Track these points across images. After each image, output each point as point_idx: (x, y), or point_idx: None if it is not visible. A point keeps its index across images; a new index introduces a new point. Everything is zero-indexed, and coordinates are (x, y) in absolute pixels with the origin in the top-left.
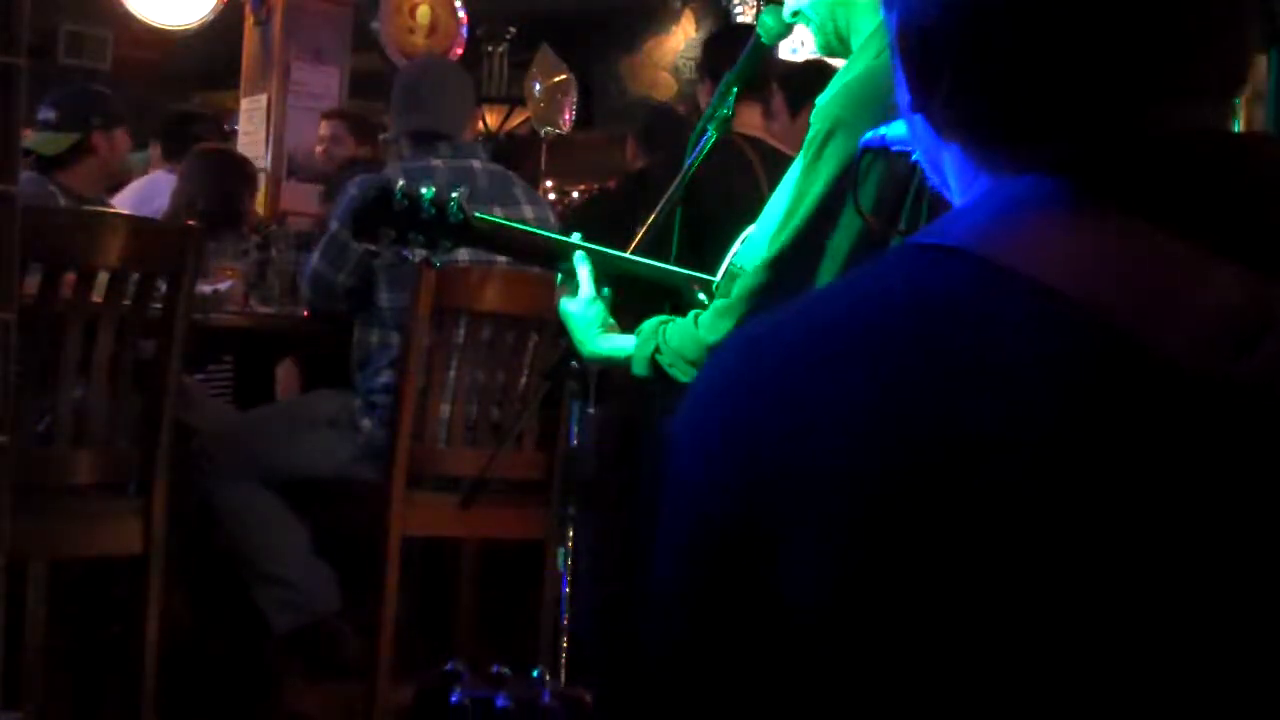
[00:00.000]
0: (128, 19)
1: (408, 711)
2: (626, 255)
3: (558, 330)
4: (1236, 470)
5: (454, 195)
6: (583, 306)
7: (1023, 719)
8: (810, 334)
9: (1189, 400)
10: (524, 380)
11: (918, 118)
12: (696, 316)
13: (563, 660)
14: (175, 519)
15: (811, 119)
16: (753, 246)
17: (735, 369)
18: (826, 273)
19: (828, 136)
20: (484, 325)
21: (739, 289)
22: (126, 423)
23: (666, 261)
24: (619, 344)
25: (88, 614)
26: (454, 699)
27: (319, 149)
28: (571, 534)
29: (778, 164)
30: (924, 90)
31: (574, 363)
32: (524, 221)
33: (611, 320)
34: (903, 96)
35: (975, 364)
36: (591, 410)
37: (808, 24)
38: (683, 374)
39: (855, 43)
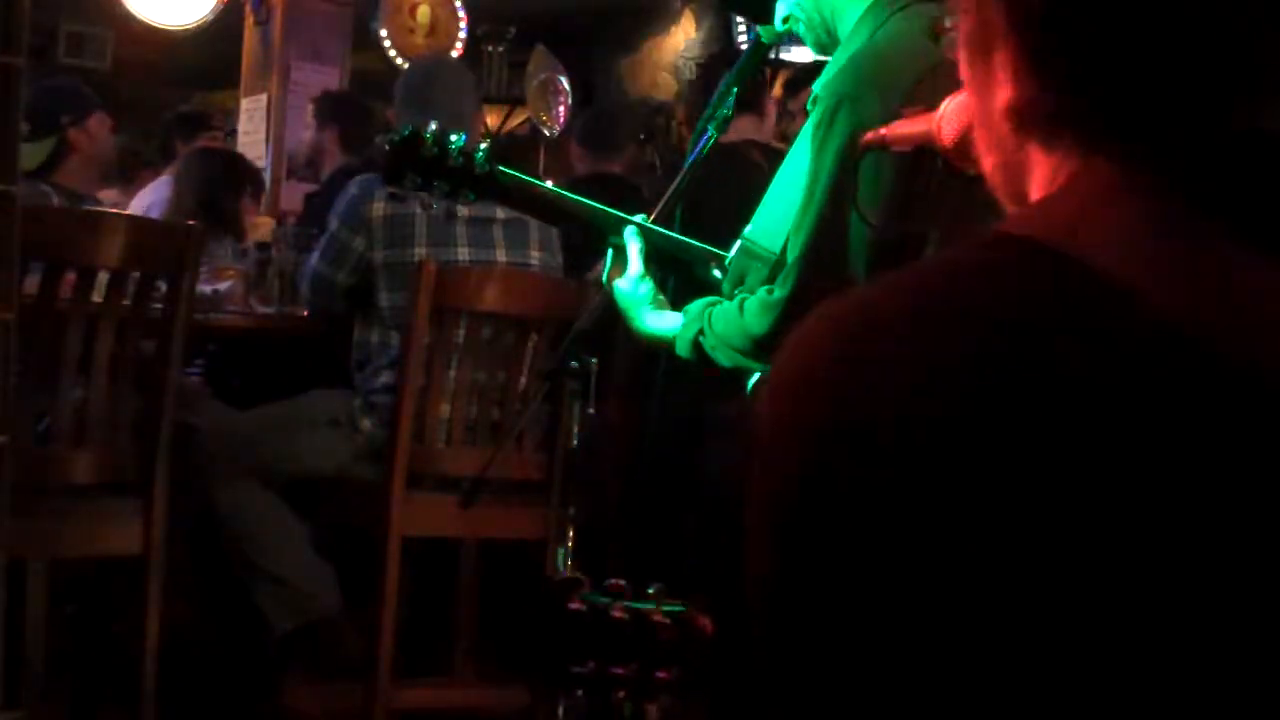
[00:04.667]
0: (128, 19)
1: (530, 616)
2: (649, 224)
3: (558, 330)
4: None
5: (481, 147)
6: (632, 283)
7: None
8: (872, 327)
9: (1251, 409)
10: (524, 380)
11: (1002, 118)
12: (742, 304)
13: None
14: (175, 519)
15: (812, 100)
16: (767, 223)
17: (819, 346)
18: (856, 241)
19: (834, 112)
20: (484, 325)
21: (786, 284)
22: (126, 423)
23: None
24: (667, 324)
25: (88, 614)
26: (572, 605)
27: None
28: (571, 534)
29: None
30: (1038, 82)
31: (574, 363)
32: (526, 222)
33: (661, 297)
34: (998, 94)
35: (1043, 367)
36: (592, 410)
37: (797, 27)
38: (725, 359)
39: (843, 31)
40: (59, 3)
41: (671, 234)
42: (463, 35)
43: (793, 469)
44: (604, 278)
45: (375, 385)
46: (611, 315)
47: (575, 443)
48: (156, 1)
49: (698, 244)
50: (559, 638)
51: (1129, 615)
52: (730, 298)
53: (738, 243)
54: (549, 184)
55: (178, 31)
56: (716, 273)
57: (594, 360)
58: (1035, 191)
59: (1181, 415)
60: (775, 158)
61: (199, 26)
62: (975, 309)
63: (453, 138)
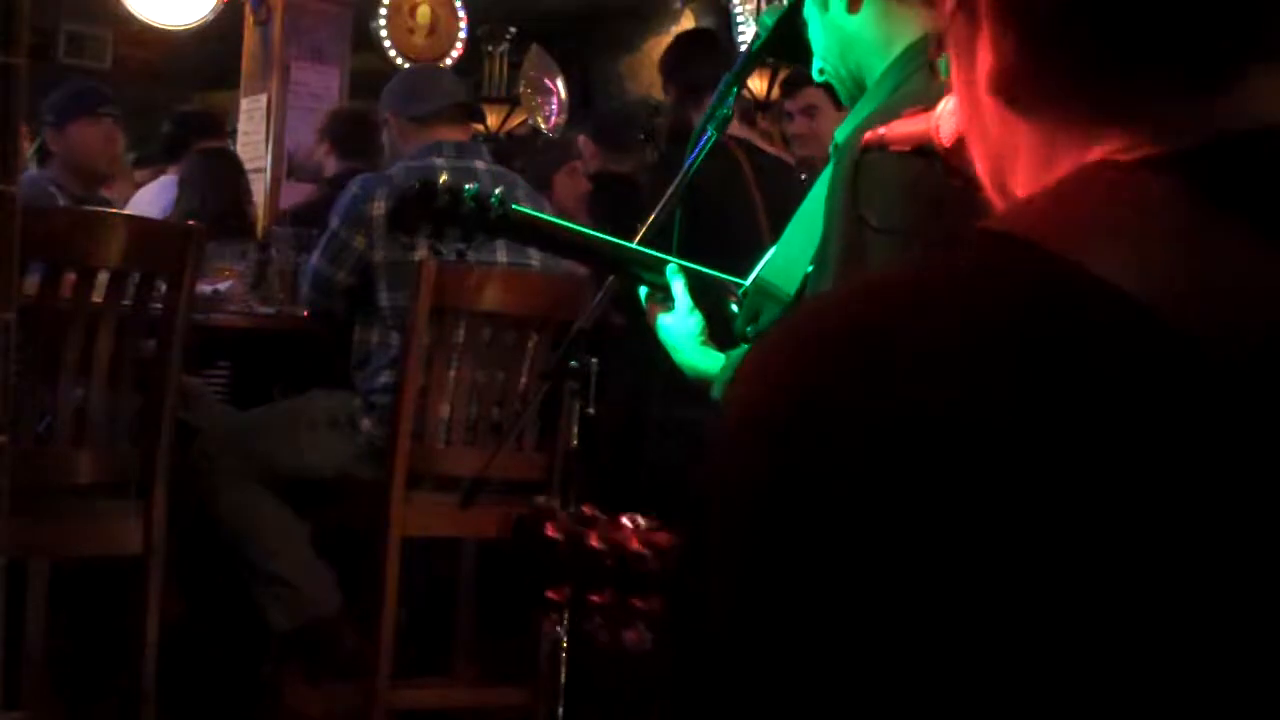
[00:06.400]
0: (128, 19)
1: (506, 543)
2: (661, 254)
3: (558, 330)
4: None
5: (496, 191)
6: (681, 317)
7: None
8: (866, 320)
9: (1240, 405)
10: (524, 380)
11: (989, 99)
12: None
13: (562, 661)
14: (175, 519)
15: (835, 151)
16: (782, 263)
17: (792, 349)
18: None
19: (854, 171)
20: (484, 325)
21: None
22: (126, 423)
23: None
24: (710, 362)
25: (88, 614)
26: (548, 533)
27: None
28: None
29: (764, 163)
30: (1038, 60)
31: (574, 363)
32: None
33: (706, 330)
34: (980, 73)
35: (1035, 362)
36: (591, 410)
37: (830, 80)
38: None
39: (869, 83)
40: (59, 3)
41: (691, 265)
42: (463, 35)
43: (748, 487)
44: (643, 308)
45: (375, 385)
46: (609, 317)
47: (575, 443)
48: (156, 1)
49: (715, 273)
50: (536, 565)
51: (1102, 611)
52: (745, 337)
53: (751, 280)
54: (564, 222)
55: (178, 31)
56: (734, 306)
57: (594, 360)
58: (1021, 178)
59: (1173, 415)
60: (755, 155)
61: (199, 26)
62: (956, 314)
63: (466, 186)
